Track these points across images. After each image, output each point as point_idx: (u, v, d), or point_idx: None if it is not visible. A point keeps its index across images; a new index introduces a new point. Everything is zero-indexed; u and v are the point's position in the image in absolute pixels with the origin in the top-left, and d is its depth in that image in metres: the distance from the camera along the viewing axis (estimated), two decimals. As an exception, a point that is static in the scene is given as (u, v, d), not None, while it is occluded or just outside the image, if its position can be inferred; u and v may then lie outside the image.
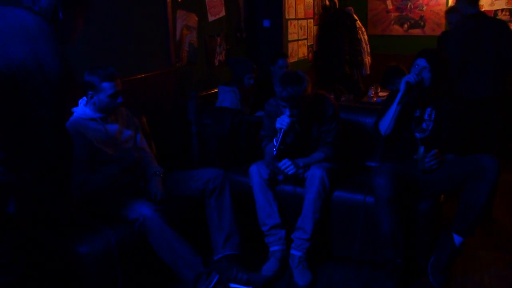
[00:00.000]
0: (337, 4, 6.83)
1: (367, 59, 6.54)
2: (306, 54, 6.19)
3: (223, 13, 4.52)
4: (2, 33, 1.44)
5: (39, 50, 1.44)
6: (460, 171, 2.65)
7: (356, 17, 6.42)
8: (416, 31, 6.97)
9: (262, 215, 2.89)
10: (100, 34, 3.06)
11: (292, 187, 2.96)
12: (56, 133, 1.53)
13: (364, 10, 7.13)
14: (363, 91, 6.07)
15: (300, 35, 5.93)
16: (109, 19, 3.14)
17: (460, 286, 2.71)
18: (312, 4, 6.25)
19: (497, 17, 6.36)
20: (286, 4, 5.41)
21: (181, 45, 3.89)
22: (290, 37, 5.62)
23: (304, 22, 6.03)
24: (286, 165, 2.87)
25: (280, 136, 2.79)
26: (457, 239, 2.63)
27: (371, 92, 5.19)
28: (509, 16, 6.38)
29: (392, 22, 7.11)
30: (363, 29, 6.60)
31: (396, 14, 7.06)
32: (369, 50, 6.58)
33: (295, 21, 5.75)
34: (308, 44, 6.26)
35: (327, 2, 6.69)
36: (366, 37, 6.58)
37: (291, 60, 5.58)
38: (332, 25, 6.35)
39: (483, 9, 6.39)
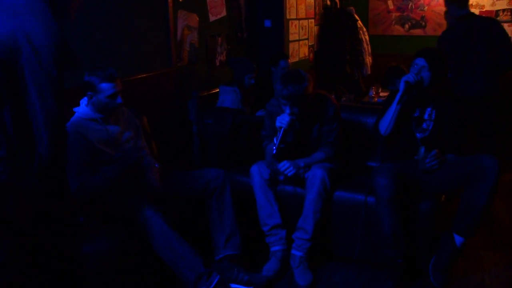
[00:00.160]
0: (338, 4, 6.83)
1: (368, 59, 6.53)
2: (307, 54, 6.19)
3: (224, 13, 4.52)
4: None
5: (27, 24, 1.44)
6: (460, 172, 2.65)
7: (357, 17, 6.41)
8: (417, 31, 6.96)
9: (263, 215, 2.89)
10: (101, 34, 3.06)
11: (293, 187, 2.97)
12: (55, 122, 1.53)
13: (365, 10, 7.12)
14: (364, 91, 6.06)
15: (301, 35, 5.93)
16: (110, 19, 3.14)
17: (461, 287, 2.71)
18: (313, 4, 6.25)
19: (498, 17, 6.36)
20: (287, 4, 5.41)
21: (182, 45, 3.89)
22: (291, 37, 5.62)
23: (305, 22, 6.03)
24: (285, 166, 2.87)
25: (280, 135, 2.79)
26: (458, 239, 2.63)
27: (372, 92, 5.20)
28: (510, 16, 6.37)
29: (393, 22, 7.10)
30: (364, 29, 6.60)
31: (397, 14, 7.05)
32: (370, 50, 6.58)
33: (296, 21, 5.74)
34: (309, 44, 6.26)
35: (328, 2, 6.69)
36: (367, 37, 6.57)
37: (292, 60, 5.58)
38: (333, 25, 6.35)
39: (484, 9, 6.41)
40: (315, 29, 6.40)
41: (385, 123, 2.81)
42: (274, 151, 2.80)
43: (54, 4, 1.56)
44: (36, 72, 1.46)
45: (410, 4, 6.94)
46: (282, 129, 2.79)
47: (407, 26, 7.03)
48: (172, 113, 3.79)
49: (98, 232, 2.36)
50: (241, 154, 3.61)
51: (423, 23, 6.89)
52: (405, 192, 2.67)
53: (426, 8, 6.84)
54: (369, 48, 6.57)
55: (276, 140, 2.80)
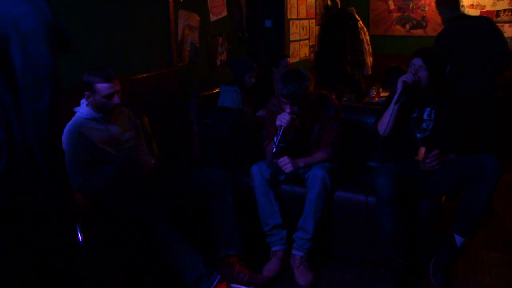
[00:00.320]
0: (339, 4, 6.83)
1: (369, 59, 6.53)
2: (307, 54, 6.19)
3: (225, 13, 4.52)
4: None
5: (15, 8, 1.42)
6: (461, 172, 2.65)
7: (358, 17, 6.41)
8: (418, 32, 6.96)
9: (263, 215, 2.89)
10: (102, 33, 3.06)
11: (293, 187, 2.96)
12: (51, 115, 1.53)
13: (366, 10, 7.12)
14: (364, 91, 6.06)
15: (302, 35, 5.93)
16: (111, 19, 3.14)
17: (461, 287, 2.71)
18: (314, 4, 6.25)
19: (499, 17, 6.36)
20: (288, 4, 5.41)
21: (182, 45, 3.89)
22: (292, 37, 5.62)
23: (306, 22, 6.03)
24: (284, 162, 2.87)
25: (280, 134, 2.79)
26: (459, 239, 2.63)
27: (373, 92, 5.20)
28: (510, 17, 6.37)
29: (394, 23, 7.10)
30: (365, 29, 6.59)
31: (398, 14, 7.05)
32: (371, 50, 6.58)
33: (297, 21, 5.75)
34: (310, 44, 6.26)
35: (329, 2, 6.69)
36: (368, 37, 6.57)
37: (293, 60, 5.59)
38: (334, 25, 6.35)
39: (485, 10, 6.41)
40: (316, 29, 6.40)
41: (384, 123, 2.81)
42: (274, 150, 2.80)
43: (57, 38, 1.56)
44: (25, 63, 1.44)
45: (411, 4, 6.94)
46: (282, 128, 2.79)
47: (408, 26, 7.02)
48: (172, 113, 3.79)
49: (97, 232, 2.36)
50: (242, 154, 3.61)
51: (424, 23, 6.88)
52: (406, 192, 2.67)
53: (427, 8, 6.83)
54: (370, 48, 6.57)
55: (276, 139, 2.80)
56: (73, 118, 2.57)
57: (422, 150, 2.70)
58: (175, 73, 3.78)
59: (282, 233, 2.88)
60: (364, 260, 2.89)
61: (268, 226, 2.88)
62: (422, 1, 6.83)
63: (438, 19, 6.71)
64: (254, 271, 2.74)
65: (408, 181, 2.71)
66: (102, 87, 2.50)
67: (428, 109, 2.86)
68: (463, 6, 6.43)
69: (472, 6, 6.50)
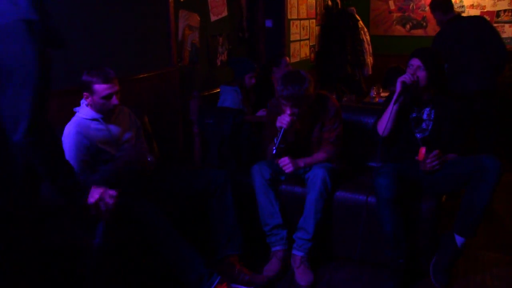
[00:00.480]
0: (339, 4, 6.83)
1: (369, 60, 6.53)
2: (308, 54, 6.19)
3: (225, 13, 4.52)
4: None
5: None
6: (461, 172, 2.65)
7: (358, 17, 6.41)
8: (418, 32, 6.96)
9: (263, 215, 2.89)
10: (102, 33, 3.06)
11: (294, 187, 2.96)
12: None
13: (366, 10, 7.12)
14: (365, 91, 6.06)
15: (302, 35, 5.93)
16: (111, 18, 3.14)
17: (461, 287, 2.70)
18: (314, 4, 6.25)
19: (499, 18, 6.36)
20: (288, 4, 5.41)
21: (183, 45, 3.89)
22: (292, 37, 5.62)
23: (306, 22, 6.03)
24: (284, 163, 2.87)
25: (280, 135, 2.79)
26: (459, 239, 2.62)
27: (373, 93, 5.20)
28: (511, 17, 6.38)
29: (394, 23, 7.10)
30: (365, 29, 6.60)
31: (399, 14, 7.05)
32: (371, 51, 6.58)
33: (297, 21, 5.75)
34: (310, 44, 6.26)
35: (330, 2, 6.69)
36: (368, 37, 6.57)
37: (293, 60, 5.59)
38: (334, 25, 6.35)
39: (485, 10, 6.41)
40: (316, 29, 6.40)
41: (383, 123, 2.81)
42: (274, 151, 2.80)
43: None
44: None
45: (411, 4, 6.94)
46: (282, 129, 2.79)
47: (408, 26, 7.02)
48: (173, 112, 3.79)
49: (97, 232, 2.35)
50: (242, 154, 3.61)
51: (424, 24, 6.89)
52: (406, 192, 2.67)
53: (427, 8, 6.81)
54: (370, 48, 6.57)
55: (276, 140, 2.80)
56: (73, 118, 2.56)
57: (422, 150, 2.70)
58: (175, 73, 3.78)
59: (282, 233, 2.88)
60: (364, 260, 2.89)
61: (268, 226, 2.88)
62: (423, 1, 6.83)
63: (439, 19, 6.73)
64: (254, 271, 2.73)
65: (409, 181, 2.71)
66: (100, 88, 2.50)
67: (427, 109, 2.86)
68: (463, 6, 6.44)
69: (472, 6, 6.50)
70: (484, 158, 2.59)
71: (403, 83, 2.73)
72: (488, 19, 6.30)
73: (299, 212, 2.84)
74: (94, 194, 1.79)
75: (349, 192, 2.88)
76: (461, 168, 2.66)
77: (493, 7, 6.43)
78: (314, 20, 6.29)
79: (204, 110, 3.74)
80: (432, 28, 6.77)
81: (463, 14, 6.33)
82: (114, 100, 2.55)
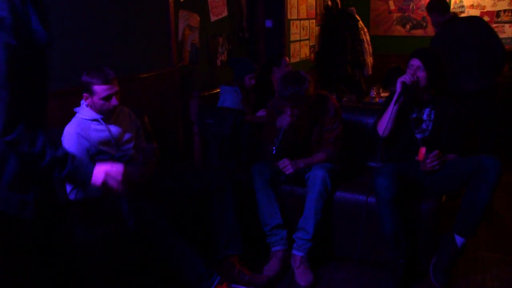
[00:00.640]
0: (339, 4, 6.83)
1: (369, 60, 6.53)
2: (308, 54, 6.19)
3: (225, 13, 4.52)
4: None
5: None
6: (461, 172, 2.65)
7: (358, 18, 6.41)
8: (418, 32, 6.96)
9: (263, 215, 2.89)
10: (103, 33, 3.07)
11: (293, 187, 2.96)
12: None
13: (366, 11, 7.12)
14: (365, 91, 6.06)
15: (302, 36, 5.93)
16: (111, 18, 3.14)
17: (461, 287, 2.70)
18: (314, 4, 6.25)
19: (499, 18, 6.37)
20: (288, 5, 5.41)
21: (183, 45, 3.89)
22: (292, 38, 5.62)
23: (306, 23, 6.03)
24: (284, 164, 2.87)
25: (281, 135, 2.79)
26: (459, 240, 2.62)
27: (373, 93, 5.20)
28: (511, 17, 6.38)
29: (394, 23, 7.10)
30: (365, 29, 6.59)
31: (399, 14, 7.05)
32: (371, 51, 6.58)
33: (297, 22, 5.75)
34: (310, 44, 6.26)
35: (329, 3, 6.69)
36: (368, 37, 6.57)
37: (293, 60, 5.59)
38: (334, 26, 6.35)
39: (485, 10, 6.41)
40: (316, 29, 6.40)
41: (383, 124, 2.81)
42: (274, 151, 2.80)
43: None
44: None
45: (411, 4, 6.94)
46: (283, 129, 2.79)
47: (408, 26, 7.03)
48: (173, 113, 3.79)
49: (96, 231, 2.36)
50: (242, 154, 3.61)
51: (424, 24, 6.89)
52: (406, 192, 2.67)
53: (427, 8, 6.84)
54: (370, 48, 6.57)
55: (277, 140, 2.80)
56: (73, 119, 2.56)
57: (423, 150, 2.70)
58: (175, 73, 3.78)
59: (282, 233, 2.88)
60: (364, 260, 2.89)
61: (269, 226, 2.88)
62: (422, 1, 6.83)
63: (439, 19, 6.73)
64: (254, 271, 2.73)
65: (409, 182, 2.71)
66: (100, 89, 2.50)
67: (427, 109, 2.86)
68: (463, 6, 6.44)
69: (472, 6, 6.50)
70: (484, 158, 2.59)
71: (403, 83, 2.73)
72: (488, 19, 6.33)
73: (299, 212, 2.84)
74: (99, 175, 1.73)
75: (349, 192, 2.88)
76: (461, 168, 2.66)
77: (493, 7, 6.43)
78: (314, 20, 6.29)
79: (204, 110, 3.74)
80: (432, 29, 6.73)
81: (463, 14, 6.34)
82: (114, 101, 2.55)
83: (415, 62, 2.77)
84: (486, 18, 6.31)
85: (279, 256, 2.84)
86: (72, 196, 2.49)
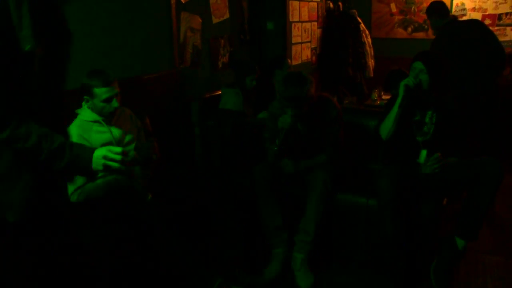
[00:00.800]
0: (341, 7, 6.83)
1: (371, 62, 6.53)
2: (309, 56, 6.20)
3: (227, 15, 4.53)
4: None
5: None
6: (462, 175, 2.65)
7: (359, 20, 6.42)
8: (420, 35, 6.97)
9: (264, 217, 2.89)
10: (104, 35, 3.07)
11: (295, 189, 2.96)
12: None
13: (368, 13, 7.13)
14: (366, 93, 6.06)
15: (303, 38, 5.93)
16: (113, 20, 3.15)
17: (462, 290, 2.71)
18: (316, 6, 6.25)
19: (501, 21, 6.37)
20: (290, 7, 5.41)
21: (184, 47, 3.90)
22: (293, 40, 5.63)
23: (308, 25, 6.04)
24: (285, 163, 2.88)
25: (282, 136, 2.79)
26: (460, 242, 2.62)
27: (375, 95, 5.19)
28: (513, 20, 6.38)
29: (396, 25, 7.10)
30: (367, 32, 6.60)
31: (400, 17, 7.05)
32: (372, 53, 6.58)
33: (299, 24, 5.75)
34: (312, 46, 6.26)
35: (331, 5, 6.69)
36: (369, 40, 6.57)
37: (295, 62, 5.59)
38: (336, 28, 6.35)
39: (487, 13, 6.41)
40: (317, 31, 6.40)
41: (386, 127, 2.82)
42: (276, 152, 2.81)
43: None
44: None
45: (413, 7, 6.94)
46: (284, 130, 2.79)
47: (409, 29, 7.03)
48: (174, 114, 3.79)
49: (96, 232, 2.36)
50: (243, 156, 3.61)
51: (426, 26, 6.89)
52: (407, 195, 2.67)
53: (428, 11, 6.84)
54: (372, 50, 6.57)
55: (278, 142, 2.80)
56: (74, 120, 2.57)
57: (424, 153, 2.70)
58: (177, 75, 3.79)
59: (283, 235, 2.88)
60: (365, 263, 2.89)
61: (269, 228, 2.88)
62: (424, 4, 6.83)
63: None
64: (255, 273, 2.73)
65: (410, 184, 2.70)
66: (100, 91, 2.51)
67: (429, 112, 2.86)
68: (465, 9, 6.44)
69: (474, 9, 6.50)
70: (484, 160, 2.59)
71: (406, 86, 2.73)
72: (490, 22, 6.34)
73: (300, 214, 2.84)
74: (98, 160, 1.74)
75: (350, 194, 2.88)
76: (462, 171, 2.66)
77: (495, 10, 6.44)
78: (315, 23, 6.30)
79: (206, 112, 3.74)
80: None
81: (465, 17, 6.34)
82: (115, 103, 2.56)
83: (418, 65, 2.78)
84: (487, 21, 6.33)
85: (280, 258, 2.84)
86: (73, 198, 2.49)
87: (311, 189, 2.81)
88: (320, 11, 6.41)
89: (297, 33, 5.70)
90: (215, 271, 2.53)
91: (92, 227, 2.42)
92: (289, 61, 4.45)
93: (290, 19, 5.47)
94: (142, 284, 2.53)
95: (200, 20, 4.08)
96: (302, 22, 5.82)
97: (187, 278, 2.42)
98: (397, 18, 7.07)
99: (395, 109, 2.78)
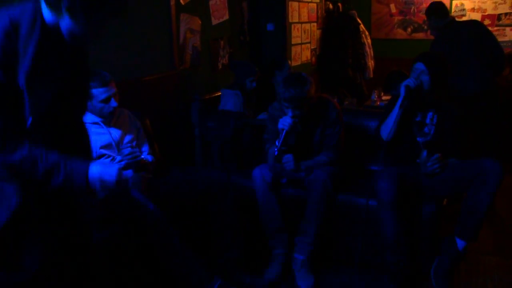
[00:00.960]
0: (340, 7, 6.84)
1: (371, 63, 6.54)
2: (309, 57, 6.20)
3: (226, 17, 4.53)
4: None
5: None
6: (463, 175, 2.64)
7: (359, 21, 6.42)
8: (420, 35, 6.97)
9: (265, 218, 2.89)
10: (104, 36, 3.07)
11: (295, 190, 2.96)
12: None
13: (367, 14, 7.14)
14: (366, 94, 6.07)
15: (303, 39, 5.94)
16: (113, 22, 3.14)
17: (463, 291, 2.71)
18: (315, 7, 6.26)
19: (500, 21, 6.38)
20: (289, 8, 5.42)
21: (184, 48, 3.90)
22: (293, 41, 5.63)
23: (307, 26, 6.04)
24: (287, 160, 2.89)
25: (282, 137, 2.80)
26: (460, 243, 2.62)
27: (374, 96, 5.20)
28: (512, 20, 6.39)
29: (395, 26, 7.11)
30: (367, 32, 6.60)
31: (400, 17, 7.06)
32: (372, 54, 6.58)
33: (299, 25, 5.76)
34: (312, 47, 6.27)
35: (331, 6, 6.70)
36: (369, 40, 6.58)
37: (294, 63, 5.60)
38: (336, 29, 6.36)
39: (486, 13, 6.42)
40: (317, 32, 6.41)
41: (387, 128, 2.82)
42: (276, 153, 2.81)
43: None
44: None
45: (413, 7, 6.95)
46: (284, 131, 2.79)
47: (409, 29, 7.04)
48: (174, 116, 3.79)
49: (96, 231, 2.35)
50: (243, 157, 3.61)
51: (426, 27, 6.89)
52: (407, 195, 2.67)
53: (428, 12, 6.84)
54: (372, 51, 6.58)
55: (278, 143, 2.80)
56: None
57: (424, 154, 2.70)
58: (176, 76, 3.79)
59: (283, 236, 2.88)
60: (365, 264, 2.88)
61: (270, 230, 2.88)
62: (424, 5, 6.83)
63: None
64: (255, 275, 2.73)
65: (410, 185, 2.70)
66: (97, 92, 2.51)
67: (430, 113, 2.86)
68: (464, 9, 6.45)
69: (473, 9, 6.51)
70: (485, 161, 2.58)
71: (407, 87, 2.73)
72: (489, 22, 6.34)
73: (300, 215, 2.83)
74: (95, 181, 1.67)
75: (350, 195, 2.88)
76: (462, 171, 2.66)
77: (494, 11, 6.44)
78: (315, 24, 6.30)
79: (206, 114, 3.74)
80: (433, 32, 6.78)
81: (464, 18, 6.35)
82: (113, 103, 2.56)
83: (420, 66, 2.78)
84: (487, 22, 6.34)
85: (280, 259, 2.84)
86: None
87: (311, 190, 2.81)
88: (319, 12, 6.42)
89: (296, 34, 5.71)
90: (215, 272, 2.54)
91: (92, 228, 2.42)
92: (290, 62, 4.45)
93: (290, 20, 5.47)
94: (142, 285, 2.53)
95: (200, 22, 4.09)
96: (301, 23, 5.83)
97: (187, 279, 2.42)
98: (397, 18, 7.08)
99: (396, 110, 2.78)
